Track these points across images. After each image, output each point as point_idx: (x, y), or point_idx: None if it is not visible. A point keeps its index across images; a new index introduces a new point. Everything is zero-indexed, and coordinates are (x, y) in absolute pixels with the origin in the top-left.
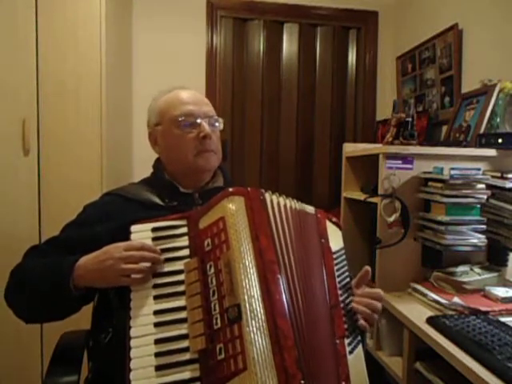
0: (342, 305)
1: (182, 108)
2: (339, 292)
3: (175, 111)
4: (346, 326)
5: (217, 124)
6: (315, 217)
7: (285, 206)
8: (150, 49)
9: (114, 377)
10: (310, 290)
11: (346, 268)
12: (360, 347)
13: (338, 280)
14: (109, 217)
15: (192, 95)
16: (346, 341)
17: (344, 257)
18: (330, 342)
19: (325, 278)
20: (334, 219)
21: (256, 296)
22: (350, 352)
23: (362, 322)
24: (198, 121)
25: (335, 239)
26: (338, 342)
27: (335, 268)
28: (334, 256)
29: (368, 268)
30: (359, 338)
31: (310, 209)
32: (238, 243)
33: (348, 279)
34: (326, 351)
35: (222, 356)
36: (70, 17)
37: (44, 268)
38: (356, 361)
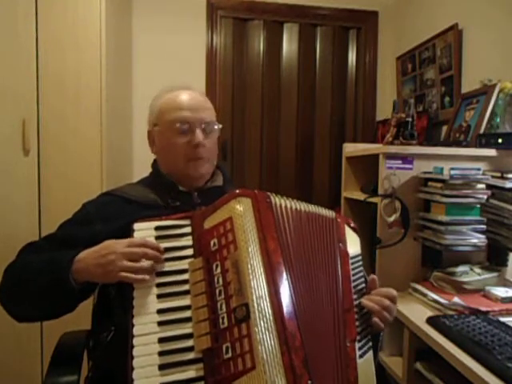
0: (355, 309)
1: (178, 114)
2: (354, 296)
3: (170, 116)
4: (358, 330)
5: (213, 129)
6: (334, 221)
7: (291, 208)
8: (150, 49)
9: (116, 375)
10: (318, 291)
11: (362, 274)
12: (370, 353)
13: (353, 285)
14: (109, 218)
15: (191, 99)
16: (358, 345)
17: (361, 263)
18: (340, 344)
19: (340, 281)
20: (353, 224)
21: (264, 296)
22: (361, 356)
23: (374, 319)
24: (192, 129)
25: (353, 244)
26: (348, 345)
27: (351, 273)
28: (351, 261)
29: (374, 277)
30: (370, 343)
31: (329, 213)
32: (245, 244)
33: (363, 285)
34: (336, 353)
35: (229, 355)
36: (69, 17)
37: (42, 262)
38: (366, 365)
